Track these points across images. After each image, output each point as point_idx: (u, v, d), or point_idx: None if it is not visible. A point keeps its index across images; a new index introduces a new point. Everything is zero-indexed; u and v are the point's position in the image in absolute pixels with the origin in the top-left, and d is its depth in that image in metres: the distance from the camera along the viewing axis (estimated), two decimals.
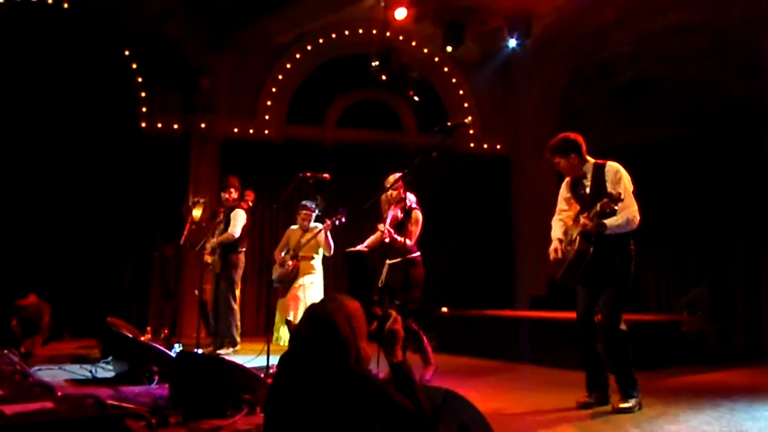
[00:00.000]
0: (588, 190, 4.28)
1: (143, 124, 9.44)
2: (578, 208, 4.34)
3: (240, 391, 3.81)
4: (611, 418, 3.84)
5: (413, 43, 10.22)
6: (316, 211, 6.51)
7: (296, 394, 2.21)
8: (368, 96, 10.41)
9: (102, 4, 8.95)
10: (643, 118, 9.50)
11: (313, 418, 2.17)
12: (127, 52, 9.31)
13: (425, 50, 10.32)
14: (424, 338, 5.17)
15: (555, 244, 4.37)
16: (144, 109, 9.47)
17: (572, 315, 6.89)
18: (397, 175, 5.14)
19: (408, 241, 5.00)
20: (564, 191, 4.54)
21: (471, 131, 10.39)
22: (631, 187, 4.17)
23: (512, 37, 8.89)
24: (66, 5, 8.95)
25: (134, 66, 9.38)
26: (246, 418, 3.65)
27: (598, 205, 4.01)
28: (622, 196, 3.94)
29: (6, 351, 4.27)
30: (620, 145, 9.44)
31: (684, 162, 9.02)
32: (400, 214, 5.10)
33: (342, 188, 9.38)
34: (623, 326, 4.19)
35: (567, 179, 4.48)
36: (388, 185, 5.21)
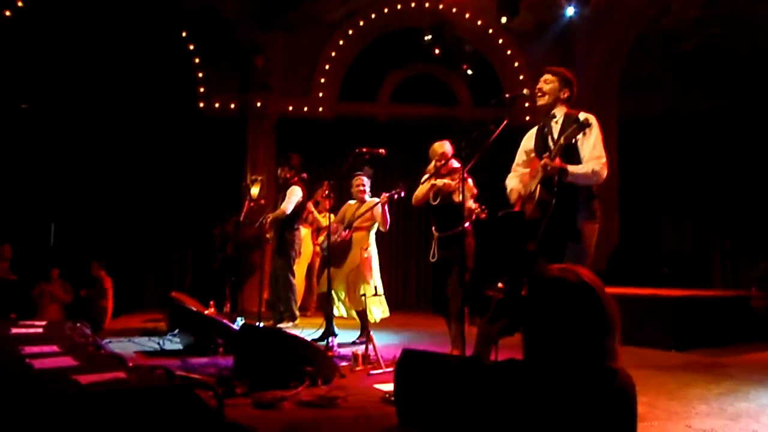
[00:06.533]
0: (555, 134, 3.74)
1: (201, 104, 9.63)
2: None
3: (301, 363, 3.89)
4: (678, 394, 3.74)
5: (467, 15, 10.02)
6: (367, 180, 6.22)
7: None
8: (422, 70, 10.29)
9: None
10: (708, 86, 9.10)
11: None
12: (184, 34, 9.49)
13: (479, 22, 10.11)
14: (466, 321, 4.56)
15: (514, 195, 3.81)
16: (202, 90, 9.65)
17: (631, 290, 6.78)
18: (446, 144, 5.16)
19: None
20: (526, 143, 3.97)
21: (527, 104, 10.15)
22: (602, 141, 3.62)
23: (570, 5, 8.59)
24: None
25: (191, 47, 9.56)
26: (308, 390, 3.73)
27: (562, 138, 3.50)
28: (591, 134, 3.47)
29: (79, 324, 4.47)
30: (684, 114, 9.10)
31: (753, 132, 8.61)
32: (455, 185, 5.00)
33: (396, 163, 9.34)
34: None
35: (531, 131, 3.97)
36: (434, 155, 5.26)
